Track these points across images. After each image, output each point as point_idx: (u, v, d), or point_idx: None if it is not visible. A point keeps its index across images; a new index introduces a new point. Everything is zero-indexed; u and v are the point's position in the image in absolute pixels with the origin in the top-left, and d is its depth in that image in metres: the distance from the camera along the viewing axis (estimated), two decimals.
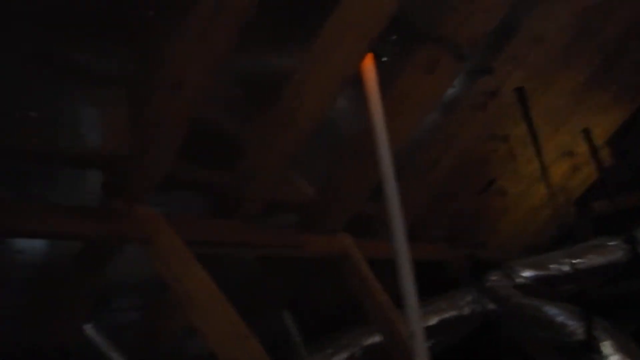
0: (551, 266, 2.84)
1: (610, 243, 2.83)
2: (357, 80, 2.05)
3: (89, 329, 1.91)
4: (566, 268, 2.77)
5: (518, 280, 2.86)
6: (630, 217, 3.29)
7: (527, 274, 2.85)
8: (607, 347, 2.21)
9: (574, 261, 2.74)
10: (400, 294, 1.69)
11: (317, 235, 2.47)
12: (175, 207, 2.21)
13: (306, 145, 2.14)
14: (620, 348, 2.18)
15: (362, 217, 2.88)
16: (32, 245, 1.98)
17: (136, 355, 2.03)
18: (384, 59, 2.29)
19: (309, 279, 2.84)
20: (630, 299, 3.68)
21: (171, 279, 1.69)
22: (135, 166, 1.76)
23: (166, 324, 2.25)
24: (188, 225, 1.94)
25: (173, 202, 2.20)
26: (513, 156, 3.49)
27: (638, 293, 3.61)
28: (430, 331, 2.89)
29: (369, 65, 1.96)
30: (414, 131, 2.55)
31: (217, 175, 2.17)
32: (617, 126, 3.96)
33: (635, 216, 3.36)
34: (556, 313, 2.40)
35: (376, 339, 2.79)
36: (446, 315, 2.86)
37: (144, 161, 1.74)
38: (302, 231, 2.43)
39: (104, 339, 1.92)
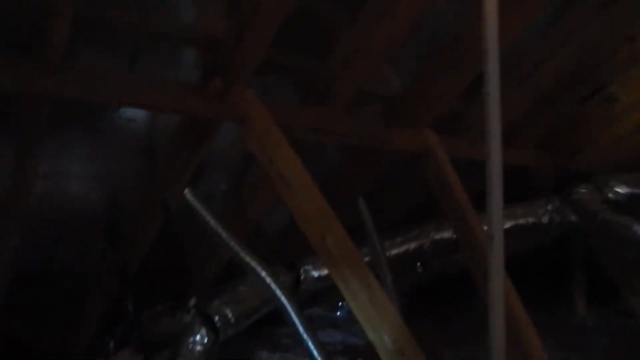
0: None
1: None
2: None
3: (188, 194, 2.18)
4: None
5: (610, 195, 2.74)
6: None
7: (621, 189, 2.72)
8: None
9: None
10: (485, 195, 1.71)
11: (402, 129, 2.48)
12: (267, 91, 2.30)
13: (403, 38, 2.07)
14: None
15: (451, 116, 2.82)
16: (143, 115, 2.22)
17: (228, 222, 2.30)
18: None
19: (390, 172, 2.92)
20: None
21: (264, 159, 1.84)
22: (234, 48, 1.83)
23: (254, 199, 2.49)
24: (279, 109, 2.03)
25: (265, 86, 2.29)
26: (635, 60, 3.12)
27: None
28: (504, 234, 2.94)
29: None
30: (526, 28, 2.35)
31: (311, 61, 2.19)
32: None
33: None
34: None
35: (445, 234, 2.90)
36: (521, 220, 2.87)
37: (243, 43, 1.80)
38: (388, 125, 2.46)
39: (201, 204, 2.19)
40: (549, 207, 2.85)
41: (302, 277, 2.79)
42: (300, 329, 1.92)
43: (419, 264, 3.97)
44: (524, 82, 2.78)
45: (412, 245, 2.97)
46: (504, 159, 3.49)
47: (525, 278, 5.28)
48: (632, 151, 4.09)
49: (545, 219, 2.84)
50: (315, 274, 2.78)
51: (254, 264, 2.02)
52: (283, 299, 1.96)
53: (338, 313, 4.04)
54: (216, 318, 2.19)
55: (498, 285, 1.65)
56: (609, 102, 3.54)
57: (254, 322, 2.62)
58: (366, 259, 2.94)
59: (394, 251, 2.97)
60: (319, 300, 4.33)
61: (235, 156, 2.56)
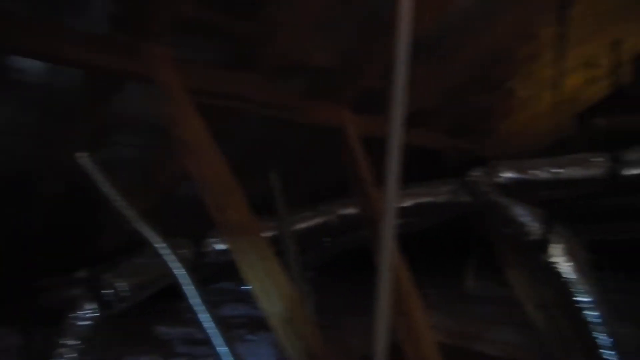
0: (532, 171, 2.93)
1: (594, 159, 2.88)
2: None
3: (82, 157, 2.01)
4: (545, 175, 2.86)
5: (499, 179, 2.97)
6: (628, 139, 3.31)
7: (509, 174, 2.95)
8: (557, 249, 2.40)
9: (554, 170, 2.82)
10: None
11: (322, 103, 2.49)
12: (190, 52, 2.17)
13: (331, 11, 2.05)
14: (566, 251, 2.39)
15: (369, 93, 2.87)
16: (34, 66, 1.99)
17: (133, 190, 2.17)
18: None
19: (306, 146, 2.93)
20: (599, 213, 3.88)
21: (168, 122, 1.76)
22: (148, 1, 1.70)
23: (163, 166, 2.38)
24: (195, 71, 1.94)
25: (188, 47, 2.16)
26: (534, 58, 3.38)
27: (608, 209, 3.79)
28: (406, 211, 3.09)
29: None
30: (445, 16, 2.43)
31: (239, 24, 2.10)
32: None
33: (632, 139, 3.38)
34: (522, 213, 2.56)
35: (352, 210, 2.99)
36: (423, 199, 3.03)
37: None
38: (307, 97, 2.45)
39: (96, 169, 2.03)
40: (449, 188, 3.04)
41: (205, 250, 2.75)
42: (196, 302, 1.89)
43: (326, 238, 4.09)
44: (439, 69, 2.91)
45: (319, 220, 3.03)
46: (417, 140, 3.64)
47: (426, 252, 5.66)
48: (528, 140, 4.48)
49: (444, 199, 3.03)
50: (220, 247, 2.75)
51: (149, 234, 1.94)
52: (178, 271, 1.91)
53: (246, 287, 4.05)
54: (108, 291, 2.09)
55: (388, 257, 1.74)
56: (511, 95, 3.83)
57: (154, 296, 2.55)
58: (273, 232, 2.97)
59: (302, 225, 3.01)
60: (227, 274, 4.31)
61: (146, 119, 2.41)
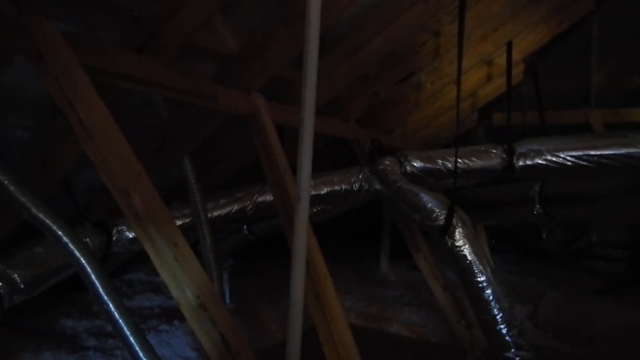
0: (439, 161, 3.14)
1: (493, 150, 3.15)
2: None
3: None
4: (450, 165, 3.08)
5: (408, 168, 3.14)
6: (523, 133, 3.65)
7: (416, 163, 3.13)
8: (458, 233, 2.61)
9: (458, 160, 3.04)
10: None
11: (231, 89, 2.45)
12: (83, 28, 2.03)
13: None
14: (466, 236, 2.60)
15: (281, 82, 2.88)
16: None
17: (24, 178, 2.00)
18: None
19: (218, 133, 2.87)
20: (495, 201, 4.24)
21: (64, 104, 1.63)
22: None
23: (59, 149, 2.21)
24: (91, 49, 1.81)
25: (80, 23, 2.02)
26: (438, 54, 3.59)
27: (502, 197, 4.16)
28: (319, 198, 3.17)
29: None
30: (352, 7, 2.49)
31: (138, 1, 1.99)
32: (537, 46, 4.15)
33: (528, 132, 3.74)
34: (428, 200, 2.73)
35: (268, 197, 3.00)
36: (336, 187, 3.12)
37: None
38: (217, 83, 2.39)
39: None
40: (361, 176, 3.16)
41: (114, 238, 2.62)
42: (101, 292, 1.79)
43: (245, 225, 4.07)
44: (352, 56, 2.98)
45: (235, 207, 3.01)
46: (329, 129, 3.70)
47: (342, 238, 5.85)
48: (435, 131, 4.77)
49: (356, 186, 3.14)
50: (130, 234, 2.63)
51: (48, 221, 1.80)
52: (82, 260, 1.80)
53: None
54: (1, 284, 1.92)
55: (301, 243, 1.78)
56: (418, 88, 4.04)
57: (57, 288, 2.38)
58: (187, 219, 2.90)
59: (217, 212, 2.97)
60: (140, 263, 4.13)
61: (38, 99, 2.21)
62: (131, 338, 1.80)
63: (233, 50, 2.49)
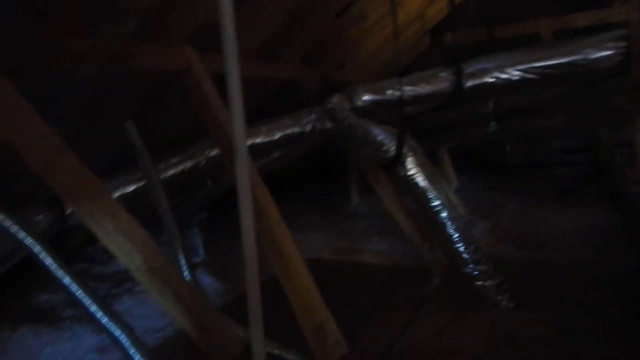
0: (387, 92, 3.11)
1: (441, 74, 3.12)
2: None
3: None
4: (399, 94, 3.06)
5: (357, 103, 3.11)
6: (474, 51, 3.60)
7: (365, 97, 3.10)
8: (409, 162, 2.65)
9: (406, 88, 3.02)
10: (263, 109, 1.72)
11: (155, 46, 2.33)
12: None
13: None
14: (418, 163, 2.64)
15: (214, 31, 2.74)
16: None
17: None
18: None
19: (154, 93, 2.77)
20: (452, 123, 4.27)
21: None
22: None
23: None
24: None
25: None
26: None
27: (459, 118, 4.18)
28: (273, 145, 3.15)
29: None
30: None
31: None
32: None
33: (478, 51, 3.68)
34: (379, 133, 2.74)
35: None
36: (289, 131, 3.10)
37: None
38: (137, 42, 2.27)
39: None
40: (312, 117, 3.13)
41: (67, 212, 2.59)
42: (54, 268, 1.80)
43: (209, 180, 4.06)
44: None
45: (188, 164, 2.98)
46: (271, 72, 3.58)
47: (315, 178, 5.88)
48: (389, 60, 4.68)
49: (308, 128, 3.12)
50: None
51: None
52: (27, 240, 1.79)
53: None
54: None
55: (246, 193, 1.78)
56: (361, 19, 3.90)
57: (31, 263, 2.37)
58: (142, 182, 2.87)
59: (170, 172, 2.94)
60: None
61: None
62: (91, 308, 1.84)
63: (149, 2, 2.33)
